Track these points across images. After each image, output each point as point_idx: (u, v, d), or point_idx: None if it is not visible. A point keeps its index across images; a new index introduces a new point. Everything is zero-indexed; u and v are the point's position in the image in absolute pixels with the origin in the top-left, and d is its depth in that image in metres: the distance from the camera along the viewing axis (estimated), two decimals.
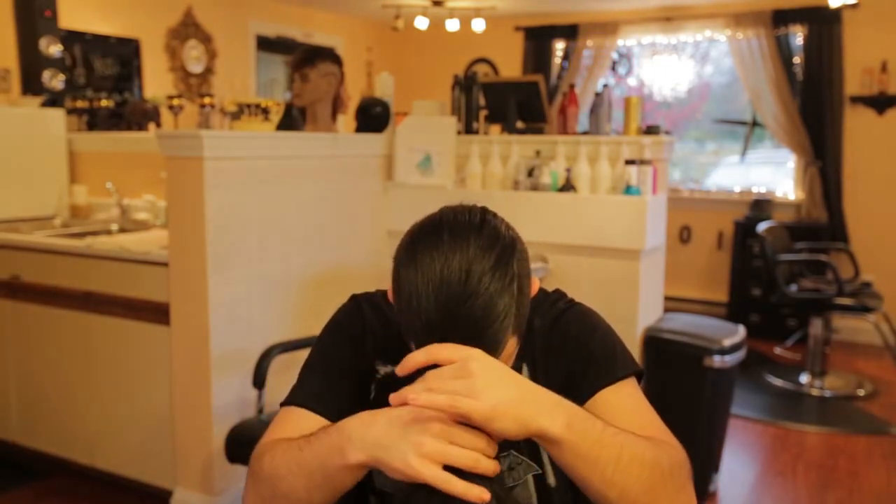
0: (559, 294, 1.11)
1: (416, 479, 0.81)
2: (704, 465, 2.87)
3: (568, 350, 1.03)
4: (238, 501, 2.57)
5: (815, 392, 4.18)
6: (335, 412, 0.98)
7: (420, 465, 0.80)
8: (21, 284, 2.94)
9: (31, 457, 3.02)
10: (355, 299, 1.13)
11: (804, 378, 4.29)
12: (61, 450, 2.93)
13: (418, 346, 0.86)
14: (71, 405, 2.88)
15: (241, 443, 2.25)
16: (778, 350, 4.98)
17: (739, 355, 2.84)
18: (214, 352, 2.48)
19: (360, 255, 3.15)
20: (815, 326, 4.26)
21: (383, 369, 1.06)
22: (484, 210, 0.95)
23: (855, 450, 3.41)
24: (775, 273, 4.26)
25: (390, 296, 0.96)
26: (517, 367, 0.98)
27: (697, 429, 2.83)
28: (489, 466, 0.82)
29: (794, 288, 4.33)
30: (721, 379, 2.82)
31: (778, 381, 4.33)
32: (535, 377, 1.02)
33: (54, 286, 2.84)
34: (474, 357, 0.83)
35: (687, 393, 2.81)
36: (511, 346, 0.90)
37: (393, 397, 0.83)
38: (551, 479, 1.02)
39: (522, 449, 1.01)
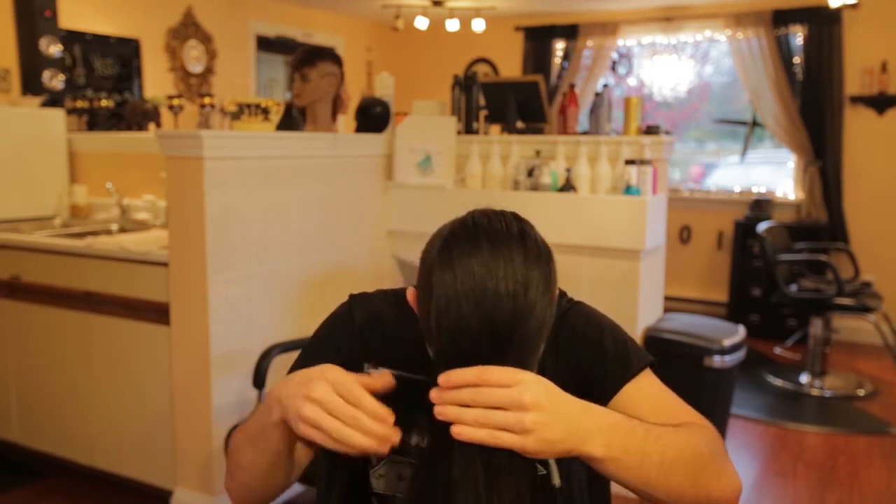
0: (560, 293, 1.11)
1: (299, 433, 0.83)
2: None
3: (577, 349, 1.03)
4: None
5: (815, 392, 4.18)
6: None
7: (302, 428, 0.82)
8: (21, 284, 2.94)
9: (31, 457, 3.02)
10: (349, 300, 1.13)
11: (804, 378, 4.29)
12: (61, 450, 2.93)
13: (450, 355, 0.84)
14: (71, 405, 2.88)
15: None
16: (778, 350, 4.98)
17: (739, 355, 2.85)
18: (214, 352, 2.48)
19: (360, 254, 3.15)
20: (815, 326, 4.26)
21: (374, 372, 1.05)
22: (517, 217, 0.93)
23: (855, 450, 3.41)
24: (775, 273, 4.26)
25: (410, 298, 0.94)
26: None
27: None
28: (371, 429, 0.80)
29: (794, 288, 4.33)
30: (721, 379, 2.82)
31: (778, 381, 4.33)
32: (543, 376, 1.01)
33: (54, 286, 2.84)
34: (528, 387, 0.80)
35: (687, 393, 2.79)
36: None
37: (438, 413, 0.81)
38: (556, 480, 1.02)
39: None
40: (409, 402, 0.89)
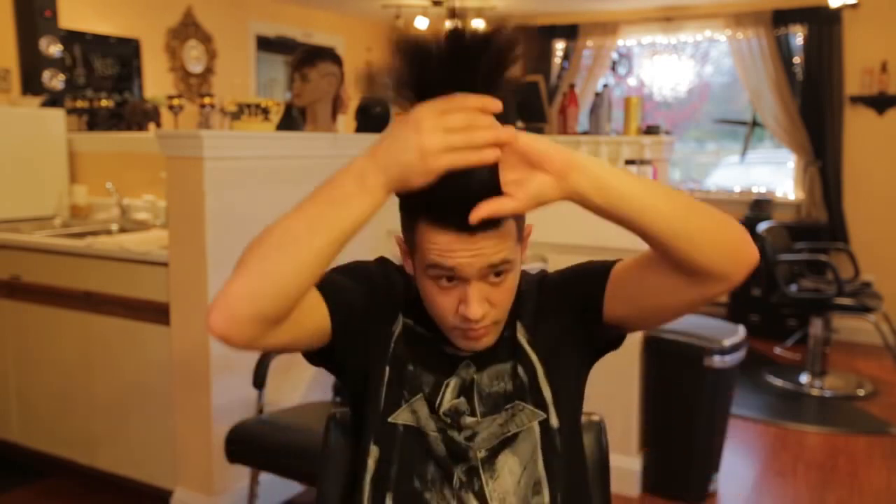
0: (543, 272, 1.19)
1: (433, 173, 0.83)
2: (704, 465, 2.87)
3: (558, 294, 1.09)
4: (239, 502, 2.57)
5: (815, 392, 4.18)
6: (338, 302, 1.01)
7: (434, 161, 0.82)
8: (21, 284, 2.94)
9: (31, 457, 3.02)
10: (384, 260, 1.19)
11: (804, 378, 4.29)
12: (61, 450, 2.93)
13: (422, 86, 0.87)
14: (71, 405, 2.87)
15: (241, 443, 2.25)
16: (778, 350, 4.98)
17: (739, 355, 2.84)
18: (214, 352, 2.48)
19: (360, 254, 3.14)
20: (815, 326, 4.26)
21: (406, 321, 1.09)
22: None
23: (855, 450, 3.41)
24: (775, 273, 4.26)
25: (397, 241, 1.04)
26: (511, 324, 1.06)
27: (697, 429, 2.83)
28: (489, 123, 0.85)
29: (794, 288, 4.33)
30: (721, 379, 2.82)
31: (778, 381, 4.33)
32: (533, 333, 1.08)
33: (54, 286, 2.84)
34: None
35: (687, 393, 2.81)
36: (513, 233, 0.96)
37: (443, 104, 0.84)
38: (554, 421, 1.06)
39: (527, 398, 1.06)
40: (421, 357, 1.04)
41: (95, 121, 4.02)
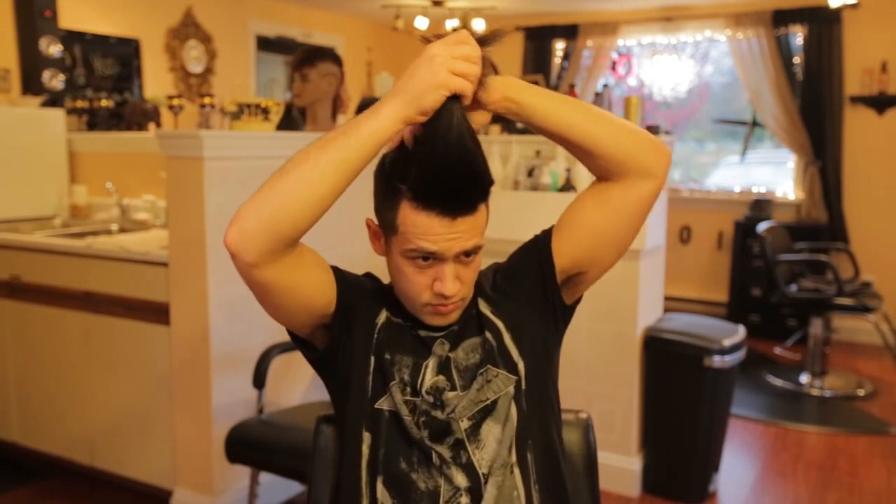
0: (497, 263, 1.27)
1: (443, 87, 0.94)
2: (704, 465, 2.87)
3: (512, 268, 1.19)
4: (239, 502, 2.58)
5: (815, 392, 4.18)
6: (337, 276, 1.15)
7: (452, 83, 0.93)
8: (21, 284, 2.94)
9: (31, 457, 3.02)
10: (370, 274, 1.24)
11: (804, 378, 4.29)
12: (61, 450, 2.93)
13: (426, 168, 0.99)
14: (71, 405, 2.88)
15: (241, 443, 2.25)
16: (778, 350, 4.98)
17: (739, 355, 2.84)
18: (214, 352, 2.48)
19: (360, 254, 3.15)
20: (815, 326, 4.26)
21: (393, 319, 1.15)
22: None
23: (855, 450, 3.41)
24: (775, 273, 4.26)
25: (369, 224, 1.13)
26: (474, 302, 1.14)
27: (697, 429, 2.83)
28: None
29: (794, 288, 4.33)
30: (721, 379, 2.82)
31: (778, 381, 4.33)
32: (494, 304, 1.16)
33: (54, 286, 2.85)
34: None
35: (687, 393, 2.81)
36: (484, 219, 1.07)
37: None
38: (524, 383, 1.12)
39: (499, 363, 1.11)
40: (399, 344, 1.11)
41: (95, 121, 4.01)
